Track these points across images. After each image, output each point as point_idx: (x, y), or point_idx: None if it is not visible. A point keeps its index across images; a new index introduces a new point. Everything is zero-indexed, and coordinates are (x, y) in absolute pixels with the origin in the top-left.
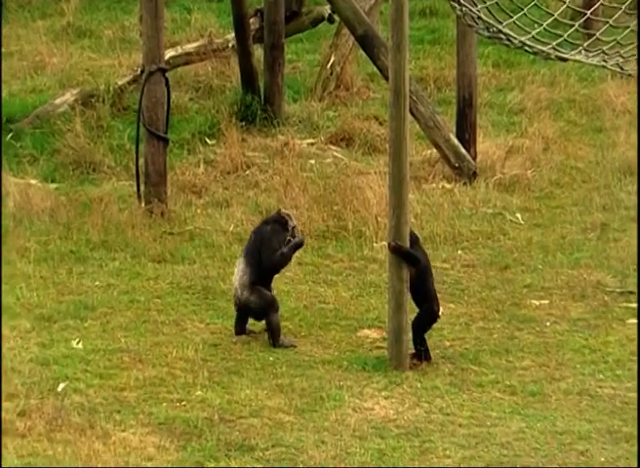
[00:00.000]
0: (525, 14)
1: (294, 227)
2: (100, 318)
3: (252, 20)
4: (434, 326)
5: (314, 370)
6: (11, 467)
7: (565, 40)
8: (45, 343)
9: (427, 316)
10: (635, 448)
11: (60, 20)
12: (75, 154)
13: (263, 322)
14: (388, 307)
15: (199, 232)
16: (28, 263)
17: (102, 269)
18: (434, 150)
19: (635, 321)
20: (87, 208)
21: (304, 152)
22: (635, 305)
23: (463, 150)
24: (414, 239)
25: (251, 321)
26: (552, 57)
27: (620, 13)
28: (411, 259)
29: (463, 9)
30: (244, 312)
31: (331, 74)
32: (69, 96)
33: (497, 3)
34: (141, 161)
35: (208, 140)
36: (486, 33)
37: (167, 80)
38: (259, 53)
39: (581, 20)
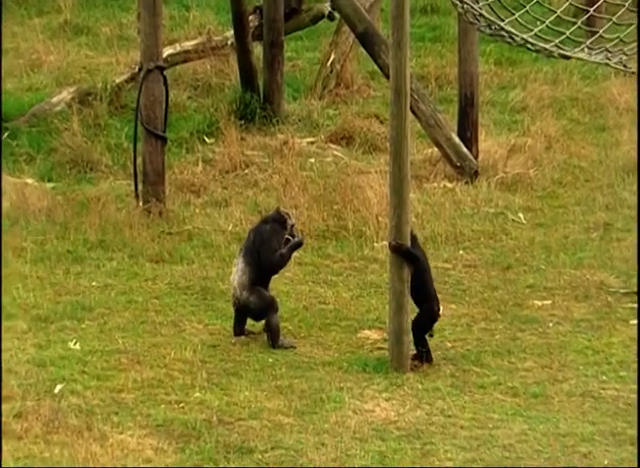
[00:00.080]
0: (527, 11)
1: (292, 226)
2: (97, 319)
3: (251, 18)
4: (435, 326)
5: (314, 372)
6: None
7: (568, 37)
8: (42, 344)
9: (428, 316)
10: None
11: (56, 18)
12: (72, 153)
13: (263, 323)
14: (389, 308)
15: (198, 232)
16: (25, 263)
17: (100, 269)
18: (435, 149)
19: None
20: (84, 207)
21: (304, 151)
22: None
23: (465, 149)
24: (412, 238)
25: (250, 321)
26: (555, 54)
27: (623, 10)
28: (411, 258)
29: (465, 6)
30: (243, 312)
31: (331, 72)
32: (66, 94)
33: (498, 0)
34: (139, 160)
35: (206, 139)
36: (488, 31)
37: (165, 78)
38: (258, 50)
39: (584, 18)
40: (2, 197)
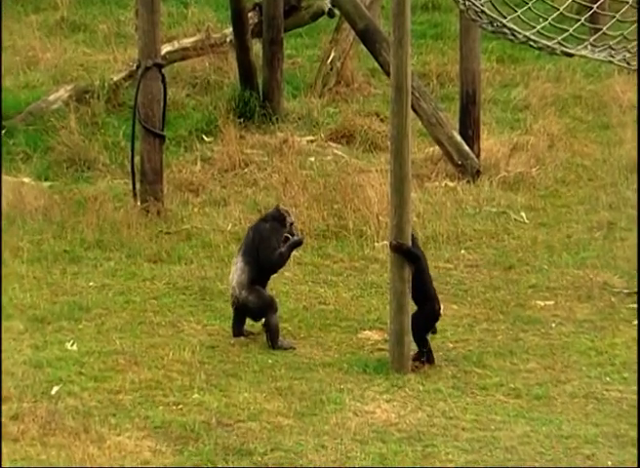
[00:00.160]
0: (530, 8)
1: (292, 224)
2: (94, 319)
3: (250, 15)
4: (437, 327)
5: (314, 373)
6: None
7: (571, 35)
8: (38, 345)
9: (429, 316)
10: None
11: (53, 15)
12: (69, 152)
13: (262, 323)
14: (390, 308)
15: (196, 231)
16: (21, 263)
17: (97, 269)
18: (437, 148)
19: None
20: (81, 206)
21: (304, 150)
22: None
23: (467, 148)
24: (412, 238)
25: (249, 322)
26: (558, 52)
27: (626, 7)
28: (411, 258)
29: (467, 3)
30: (242, 312)
31: (331, 70)
32: (63, 92)
33: None
34: (137, 158)
35: (205, 138)
36: (490, 28)
37: (163, 76)
38: (257, 48)
39: (587, 15)
40: (1, 197)
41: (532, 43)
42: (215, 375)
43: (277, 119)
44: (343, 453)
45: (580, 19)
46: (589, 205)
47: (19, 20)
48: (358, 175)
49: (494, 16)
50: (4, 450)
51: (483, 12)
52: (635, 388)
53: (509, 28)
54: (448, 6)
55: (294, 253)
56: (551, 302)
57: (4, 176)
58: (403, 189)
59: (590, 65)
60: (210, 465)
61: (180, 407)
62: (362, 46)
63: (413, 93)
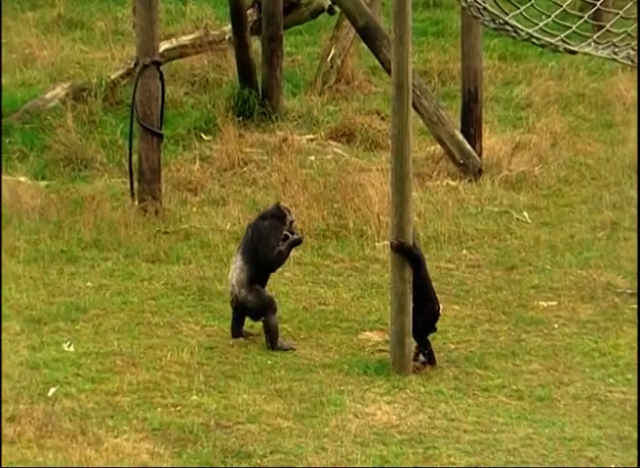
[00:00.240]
0: (532, 5)
1: (292, 222)
2: (92, 320)
3: (249, 12)
4: (439, 328)
5: (314, 374)
6: None
7: (574, 32)
8: (35, 346)
9: (429, 317)
10: None
11: (50, 12)
12: (66, 150)
13: (261, 324)
14: (391, 309)
15: (195, 231)
16: (18, 263)
17: (95, 269)
18: (438, 146)
19: None
20: (78, 206)
21: (304, 148)
22: None
23: (469, 146)
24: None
25: (248, 323)
26: (561, 49)
27: (630, 4)
28: (413, 258)
29: (469, 0)
30: (241, 311)
31: (331, 67)
32: (60, 90)
33: None
34: (135, 157)
35: (204, 136)
36: (492, 25)
37: (161, 73)
38: (256, 45)
39: (591, 12)
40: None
41: (534, 40)
42: (213, 377)
43: (277, 117)
44: (344, 456)
45: (583, 16)
46: (593, 204)
47: (15, 17)
48: (359, 174)
49: (496, 13)
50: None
51: (485, 9)
52: None
53: (512, 25)
54: (449, 3)
55: (293, 252)
56: (554, 303)
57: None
58: (404, 188)
59: (594, 63)
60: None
61: (179, 408)
62: (362, 43)
63: (414, 91)
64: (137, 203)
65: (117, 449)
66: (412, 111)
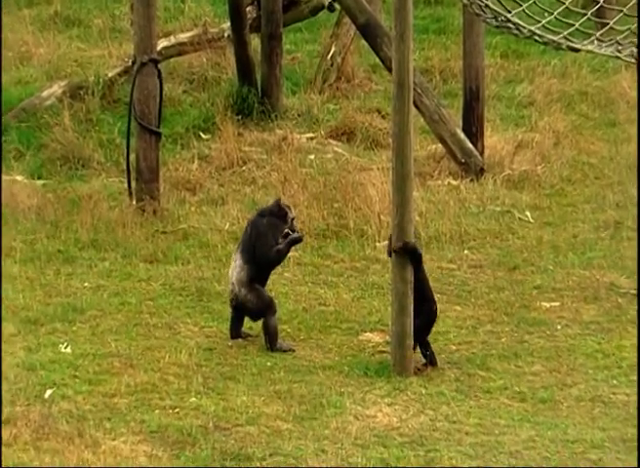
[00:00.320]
0: (535, 2)
1: (293, 219)
2: (89, 321)
3: (248, 9)
4: (440, 329)
5: (314, 376)
6: None
7: (577, 29)
8: (31, 347)
9: (429, 317)
10: None
11: (47, 9)
12: (63, 149)
13: (260, 325)
14: (391, 309)
15: (193, 231)
16: (14, 264)
17: (92, 270)
18: (439, 145)
19: None
20: (75, 205)
21: (304, 147)
22: None
23: (470, 145)
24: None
25: (247, 324)
26: (563, 47)
27: (634, 1)
28: (417, 257)
29: None
30: (240, 311)
31: (331, 65)
32: (57, 88)
33: None
34: (133, 156)
35: (202, 135)
36: (494, 22)
37: (159, 71)
38: (255, 43)
39: (594, 9)
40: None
41: (537, 38)
42: (212, 378)
43: (276, 116)
44: (344, 458)
45: (586, 14)
46: (596, 204)
47: (11, 15)
48: (359, 174)
49: (498, 10)
50: None
51: (487, 6)
52: None
53: (514, 23)
54: (451, 0)
55: (293, 253)
56: (557, 304)
57: None
58: (405, 188)
59: (597, 61)
60: None
61: (177, 410)
62: (363, 41)
63: (415, 89)
64: (134, 202)
65: (115, 452)
66: (413, 110)
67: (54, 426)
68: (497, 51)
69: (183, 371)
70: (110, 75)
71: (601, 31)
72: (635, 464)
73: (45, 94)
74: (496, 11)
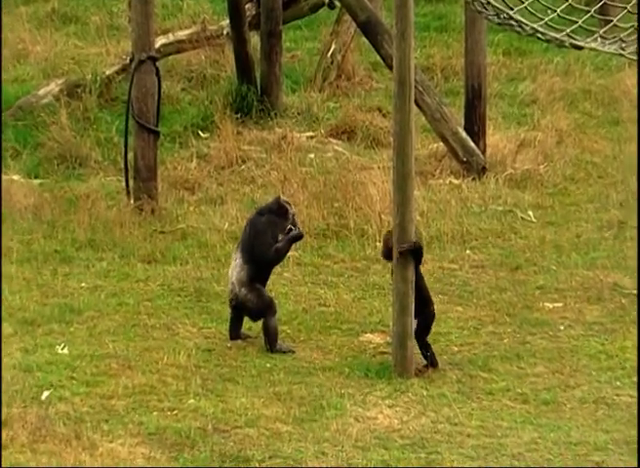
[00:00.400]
0: None
1: (294, 215)
2: (86, 322)
3: (248, 6)
4: (441, 330)
5: (314, 377)
6: None
7: (580, 27)
8: (28, 349)
9: (428, 318)
10: None
11: (44, 6)
12: (60, 148)
13: (260, 326)
14: (392, 310)
15: (192, 231)
16: (11, 264)
17: (89, 270)
18: (441, 144)
19: None
20: (73, 205)
21: (303, 146)
22: None
23: (472, 144)
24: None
25: (246, 325)
26: (566, 44)
27: None
28: (419, 257)
29: None
30: (239, 311)
31: (331, 63)
32: (54, 86)
33: None
34: (131, 155)
35: (201, 133)
36: (496, 20)
37: (157, 69)
38: (255, 40)
39: (598, 6)
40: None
41: (540, 35)
42: (211, 380)
43: (276, 114)
44: (344, 460)
45: (589, 11)
46: (599, 203)
47: (7, 12)
48: (359, 173)
49: (500, 7)
50: None
51: (489, 3)
52: None
53: (516, 20)
54: None
55: (293, 253)
56: (560, 304)
57: None
58: (406, 187)
59: (600, 58)
60: None
61: (176, 412)
62: (363, 38)
63: (416, 87)
64: (132, 202)
65: (112, 454)
66: (414, 108)
67: (51, 428)
68: (499, 48)
69: (182, 373)
70: (108, 73)
71: (604, 29)
72: (637, 465)
73: (42, 92)
74: (498, 8)
